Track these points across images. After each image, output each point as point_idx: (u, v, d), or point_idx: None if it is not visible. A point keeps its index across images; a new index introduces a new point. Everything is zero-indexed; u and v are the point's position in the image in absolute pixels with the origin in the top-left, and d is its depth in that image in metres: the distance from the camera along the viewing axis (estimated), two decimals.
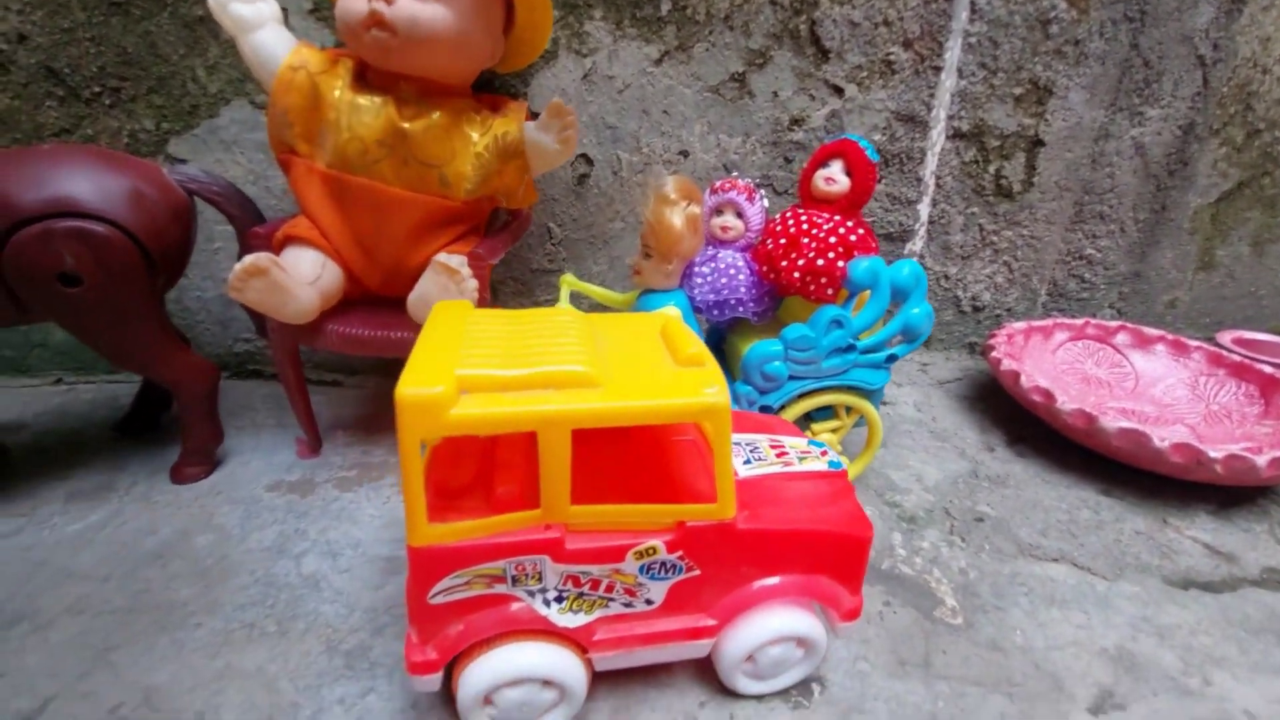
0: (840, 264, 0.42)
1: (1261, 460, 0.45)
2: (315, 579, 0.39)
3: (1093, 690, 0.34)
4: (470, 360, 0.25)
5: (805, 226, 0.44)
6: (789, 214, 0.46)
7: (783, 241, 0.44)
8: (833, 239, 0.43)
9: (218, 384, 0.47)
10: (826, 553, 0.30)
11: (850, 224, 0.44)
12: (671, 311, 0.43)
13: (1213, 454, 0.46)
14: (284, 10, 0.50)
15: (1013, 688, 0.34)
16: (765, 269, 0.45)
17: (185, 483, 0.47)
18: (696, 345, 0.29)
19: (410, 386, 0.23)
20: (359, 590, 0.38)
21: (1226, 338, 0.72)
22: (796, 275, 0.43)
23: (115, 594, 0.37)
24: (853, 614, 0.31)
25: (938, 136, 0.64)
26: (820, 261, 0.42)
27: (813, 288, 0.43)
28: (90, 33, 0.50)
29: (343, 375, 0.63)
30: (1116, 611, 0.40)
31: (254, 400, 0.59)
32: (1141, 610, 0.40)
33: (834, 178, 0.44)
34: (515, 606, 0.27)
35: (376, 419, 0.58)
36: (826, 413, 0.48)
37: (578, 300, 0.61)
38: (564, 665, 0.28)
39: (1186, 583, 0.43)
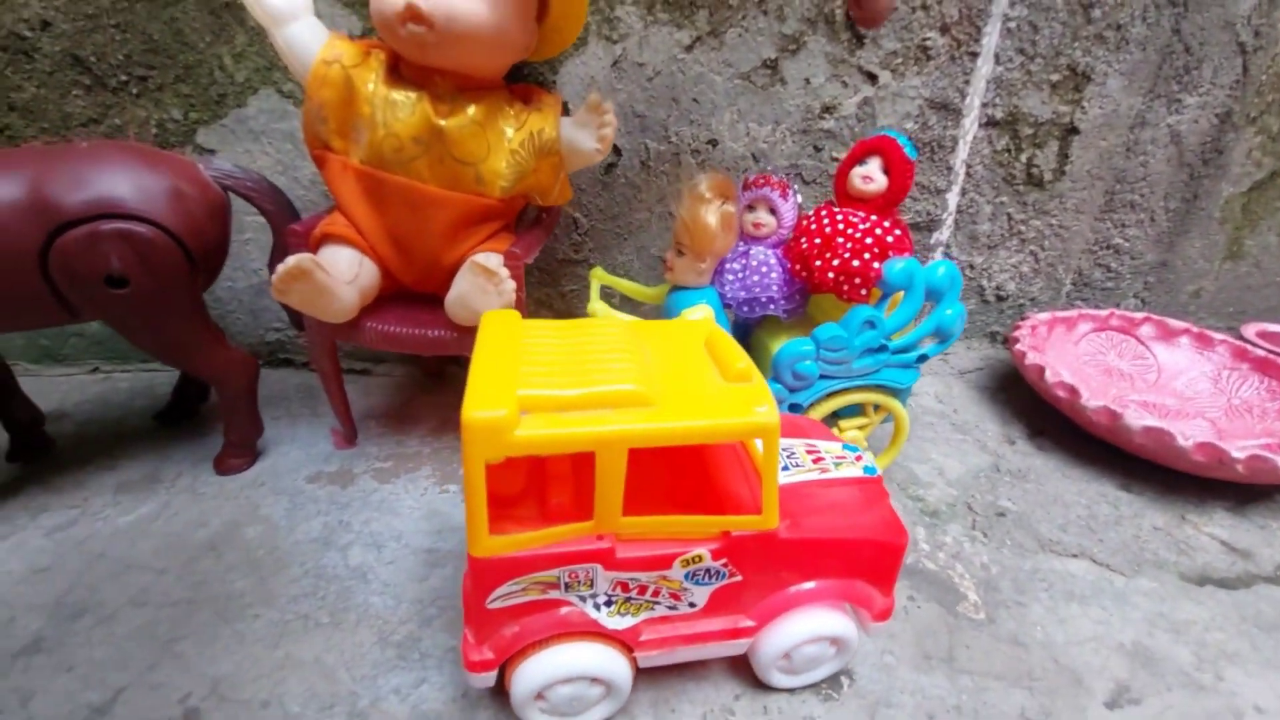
0: (875, 265, 0.42)
1: None
2: (362, 571, 0.41)
3: (1110, 685, 0.36)
4: (530, 380, 0.25)
5: (841, 226, 0.44)
6: (824, 212, 0.45)
7: (817, 241, 0.44)
8: (869, 239, 0.43)
9: (257, 377, 0.48)
10: (862, 558, 0.31)
11: (886, 224, 0.44)
12: (704, 311, 0.44)
13: (1235, 454, 0.47)
14: None
15: (1033, 682, 0.36)
16: (798, 268, 0.45)
17: (229, 474, 0.48)
18: (744, 359, 0.29)
19: (476, 409, 0.23)
20: (405, 582, 0.40)
21: (1251, 330, 0.72)
22: (831, 275, 0.43)
23: (175, 586, 0.39)
24: (885, 614, 0.33)
25: (970, 124, 0.63)
26: (855, 262, 0.42)
27: (846, 288, 0.43)
28: (115, 19, 0.50)
29: (371, 364, 0.64)
30: (1134, 607, 0.41)
31: (288, 389, 0.60)
32: (1158, 606, 0.41)
33: (871, 176, 0.44)
34: (566, 610, 0.29)
35: (407, 408, 0.59)
36: (854, 409, 0.49)
37: (608, 294, 0.61)
38: (611, 664, 0.30)
39: (1202, 579, 0.44)
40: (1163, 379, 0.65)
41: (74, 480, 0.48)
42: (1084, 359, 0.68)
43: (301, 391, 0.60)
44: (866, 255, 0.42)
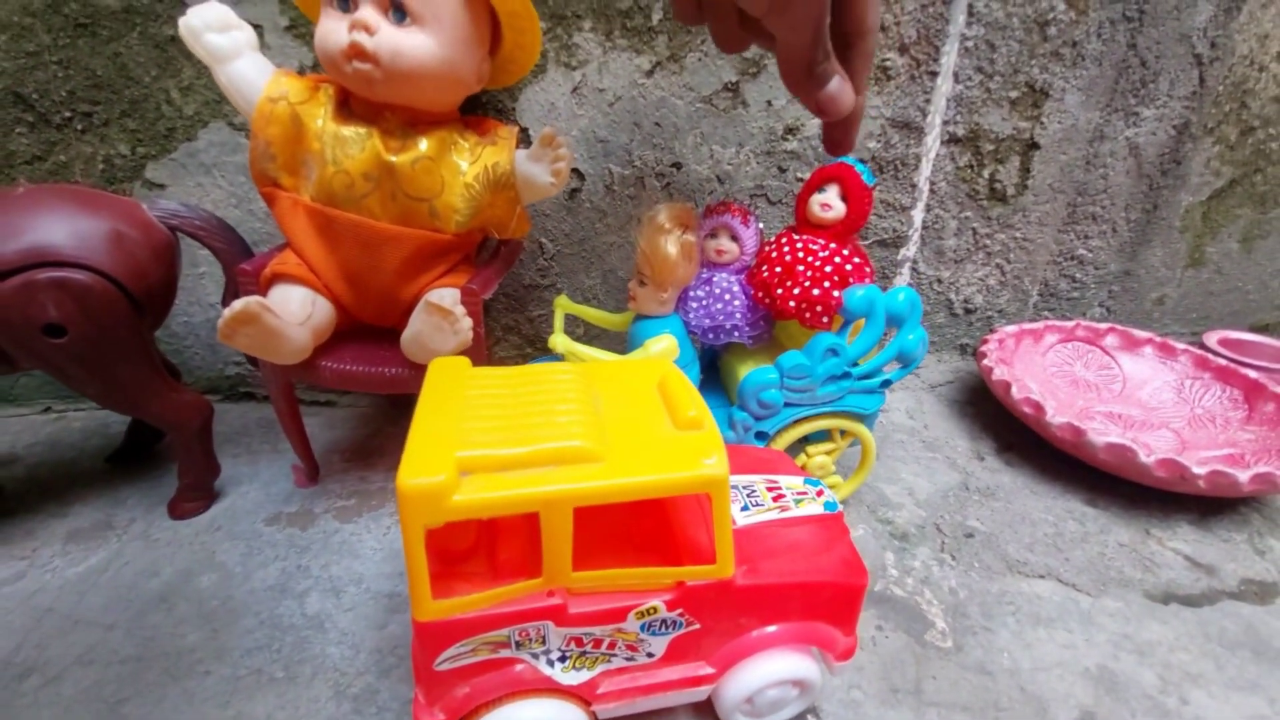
0: (835, 294, 0.42)
1: (1243, 476, 0.47)
2: (319, 619, 0.39)
3: (1074, 713, 0.36)
4: (470, 439, 0.25)
5: (801, 254, 0.44)
6: (784, 239, 0.45)
7: (778, 269, 0.44)
8: (828, 268, 0.43)
9: (211, 419, 0.47)
10: (822, 600, 0.31)
11: (845, 252, 0.44)
12: (666, 342, 0.43)
13: (1196, 470, 0.47)
14: (260, 28, 0.48)
15: (999, 712, 0.36)
16: (761, 294, 0.45)
17: (184, 518, 0.47)
18: (695, 405, 0.29)
19: (412, 476, 0.23)
20: (364, 630, 0.39)
21: (1213, 339, 0.73)
22: (792, 304, 0.43)
23: (123, 642, 0.38)
24: (848, 654, 0.32)
25: (932, 142, 0.64)
26: (816, 291, 0.42)
27: (808, 315, 0.43)
28: (57, 56, 0.48)
29: (335, 395, 0.63)
30: (1099, 629, 0.41)
31: (248, 425, 0.59)
32: (1123, 627, 0.42)
33: (830, 203, 0.44)
34: (519, 668, 0.28)
35: (372, 440, 0.58)
36: (822, 435, 0.49)
37: (571, 322, 0.60)
38: (568, 719, 0.29)
39: (1167, 597, 0.44)
40: (1128, 389, 0.66)
41: (23, 529, 0.47)
42: (1051, 370, 0.69)
43: (263, 426, 0.58)
44: (826, 284, 0.43)
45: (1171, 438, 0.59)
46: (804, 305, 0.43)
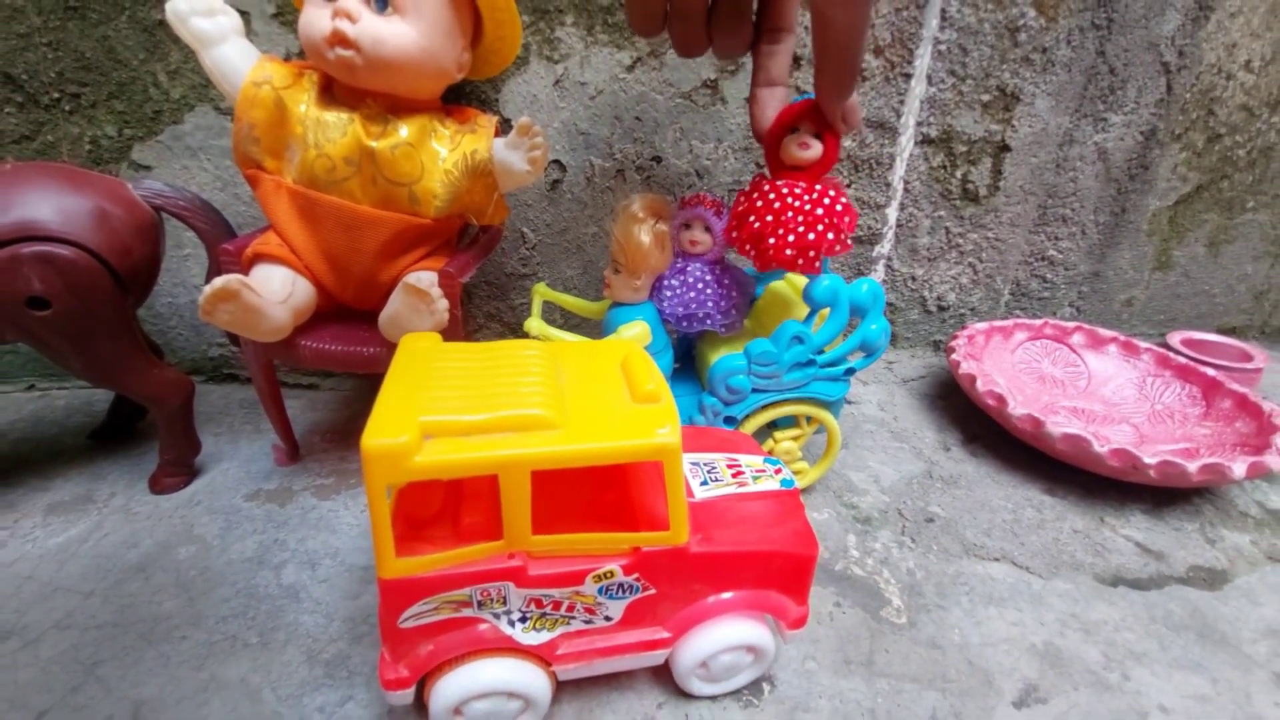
0: (829, 235, 0.41)
1: (1192, 466, 0.49)
2: (295, 589, 0.41)
3: (1019, 685, 0.38)
4: (434, 405, 0.26)
5: (789, 199, 0.42)
6: (766, 186, 0.43)
7: (768, 218, 0.42)
8: (819, 210, 0.41)
9: (192, 397, 0.48)
10: (775, 569, 0.32)
11: (832, 193, 0.42)
12: (638, 328, 0.45)
13: (1147, 459, 0.49)
14: (246, 15, 0.49)
15: (946, 684, 0.37)
16: (749, 248, 0.43)
17: (164, 493, 0.48)
18: (654, 380, 0.30)
19: (375, 437, 0.24)
20: (337, 600, 0.40)
21: (1176, 338, 0.75)
22: (789, 252, 0.41)
23: (101, 608, 0.39)
24: (799, 622, 0.34)
25: (907, 142, 0.65)
26: (811, 235, 0.41)
27: (800, 262, 0.42)
28: (47, 37, 0.49)
29: (319, 378, 0.64)
30: (1048, 609, 0.43)
31: (230, 405, 0.60)
32: (1072, 607, 0.43)
33: (808, 143, 0.41)
34: (481, 627, 0.29)
35: (354, 423, 0.59)
36: (789, 421, 0.50)
37: (550, 309, 0.62)
38: (528, 678, 0.30)
39: (1116, 580, 0.46)
40: (1092, 385, 0.68)
41: (5, 501, 0.47)
42: (1020, 366, 0.70)
43: (244, 407, 0.59)
44: (820, 227, 0.41)
45: (1131, 432, 0.61)
46: (799, 251, 0.41)
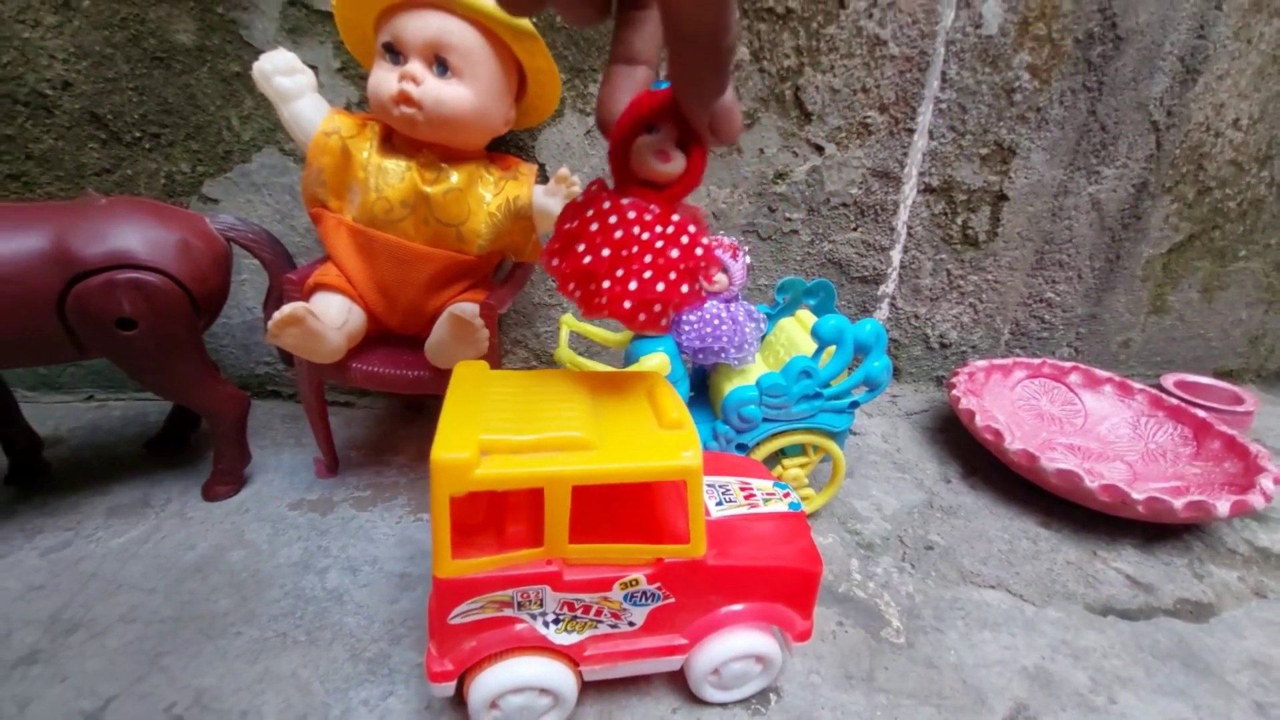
0: (683, 287, 0.30)
1: (1178, 503, 0.51)
2: (338, 593, 0.44)
3: (1009, 704, 0.40)
4: (491, 426, 0.30)
5: (637, 231, 0.30)
6: (607, 205, 0.30)
7: (604, 252, 0.30)
8: (674, 251, 0.30)
9: (247, 411, 0.52)
10: (782, 584, 0.36)
11: (693, 228, 0.31)
12: (659, 359, 0.49)
13: (1136, 495, 0.52)
14: (314, 68, 0.55)
15: (941, 700, 0.40)
16: (573, 287, 0.32)
17: (216, 500, 0.52)
18: (678, 409, 0.34)
19: (443, 451, 0.28)
20: (377, 604, 0.43)
21: (1169, 380, 0.78)
22: (628, 304, 0.30)
23: (163, 604, 0.42)
24: (804, 635, 0.37)
25: (910, 191, 0.70)
26: (660, 285, 0.30)
27: (642, 318, 0.31)
28: (134, 83, 0.55)
29: (354, 397, 0.68)
30: (1040, 634, 0.46)
31: (274, 420, 0.64)
32: (1062, 634, 0.46)
33: (668, 153, 0.29)
34: (519, 627, 0.32)
35: (387, 440, 0.63)
36: (797, 449, 0.54)
37: (576, 340, 0.66)
38: (559, 676, 0.33)
39: (1106, 610, 0.49)
40: (1089, 423, 0.71)
41: (68, 503, 0.51)
42: (1018, 403, 0.74)
43: (287, 421, 0.63)
44: (673, 274, 0.30)
45: (1124, 469, 0.64)
46: (642, 305, 0.30)
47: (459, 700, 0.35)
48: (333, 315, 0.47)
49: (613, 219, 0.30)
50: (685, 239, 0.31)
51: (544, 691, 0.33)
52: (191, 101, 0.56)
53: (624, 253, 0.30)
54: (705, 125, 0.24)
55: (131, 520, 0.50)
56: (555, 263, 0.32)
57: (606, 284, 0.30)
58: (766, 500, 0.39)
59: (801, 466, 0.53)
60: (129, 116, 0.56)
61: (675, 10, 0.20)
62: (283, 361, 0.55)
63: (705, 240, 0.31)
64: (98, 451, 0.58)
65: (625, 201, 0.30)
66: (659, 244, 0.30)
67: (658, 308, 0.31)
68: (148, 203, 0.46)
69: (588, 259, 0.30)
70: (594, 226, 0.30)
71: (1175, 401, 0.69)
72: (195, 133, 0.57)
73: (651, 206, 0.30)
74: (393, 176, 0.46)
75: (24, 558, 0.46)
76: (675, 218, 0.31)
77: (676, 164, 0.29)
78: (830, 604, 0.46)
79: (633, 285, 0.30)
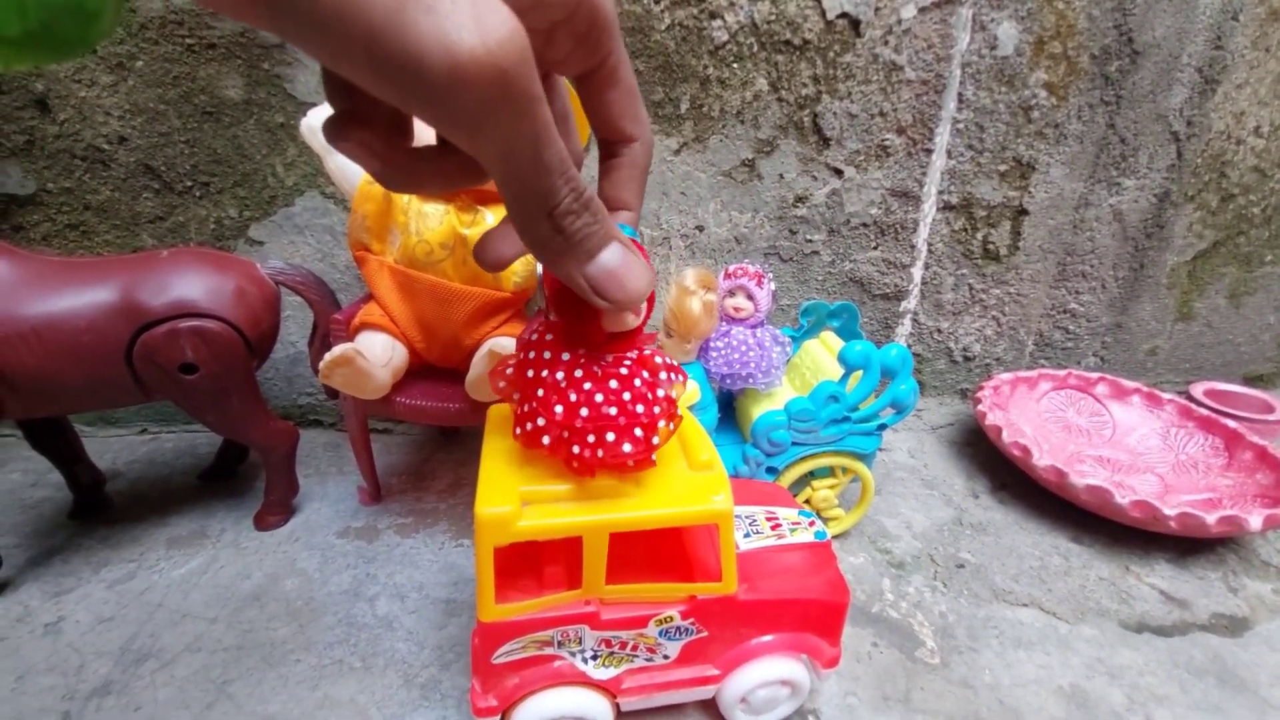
0: (655, 439, 0.30)
1: (1210, 517, 0.51)
2: (389, 620, 0.46)
3: None
4: (529, 476, 0.31)
5: (616, 389, 0.29)
6: (581, 363, 0.29)
7: (582, 415, 0.28)
8: (639, 407, 0.29)
9: (297, 444, 0.54)
10: (811, 615, 0.37)
11: (646, 374, 0.30)
12: (690, 385, 0.50)
13: (1167, 511, 0.52)
14: None
15: None
16: (561, 450, 0.30)
17: (268, 529, 0.54)
18: (707, 451, 0.35)
19: (486, 506, 0.29)
20: (426, 630, 0.45)
21: (1199, 389, 0.77)
22: (601, 453, 0.29)
23: (225, 633, 0.45)
24: (833, 662, 0.38)
25: (929, 209, 0.71)
26: (626, 445, 0.29)
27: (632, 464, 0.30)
28: (185, 136, 0.58)
29: (393, 424, 0.71)
30: (1075, 653, 0.46)
31: (315, 449, 0.66)
32: (1097, 652, 0.46)
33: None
34: (558, 664, 0.34)
35: (425, 466, 0.65)
36: (825, 471, 0.55)
37: None
38: (595, 707, 0.35)
39: (1140, 626, 0.49)
40: (1117, 435, 0.71)
41: (130, 536, 0.54)
42: (1045, 415, 0.74)
43: (329, 450, 0.66)
44: (638, 430, 0.29)
45: (1156, 481, 0.64)
46: (615, 462, 0.29)
47: None
48: (378, 353, 0.49)
49: (584, 380, 0.29)
50: (654, 393, 0.30)
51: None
52: (239, 151, 0.59)
53: (604, 414, 0.28)
54: (585, 290, 0.20)
55: (190, 551, 0.52)
56: (527, 414, 0.29)
57: (576, 450, 0.29)
58: (793, 530, 0.40)
59: (831, 488, 0.54)
60: (180, 167, 0.60)
61: (498, 184, 0.17)
62: (326, 393, 0.57)
63: (662, 389, 0.30)
64: (154, 484, 0.61)
65: (608, 360, 0.29)
66: (637, 406, 0.29)
67: (632, 463, 0.30)
68: (206, 252, 0.48)
69: (570, 426, 0.29)
70: (564, 384, 0.29)
71: (1205, 412, 0.68)
72: (242, 180, 0.60)
73: (628, 355, 0.30)
74: (432, 220, 0.49)
75: (92, 590, 0.48)
76: (644, 374, 0.30)
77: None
78: (864, 625, 0.47)
79: (603, 443, 0.29)
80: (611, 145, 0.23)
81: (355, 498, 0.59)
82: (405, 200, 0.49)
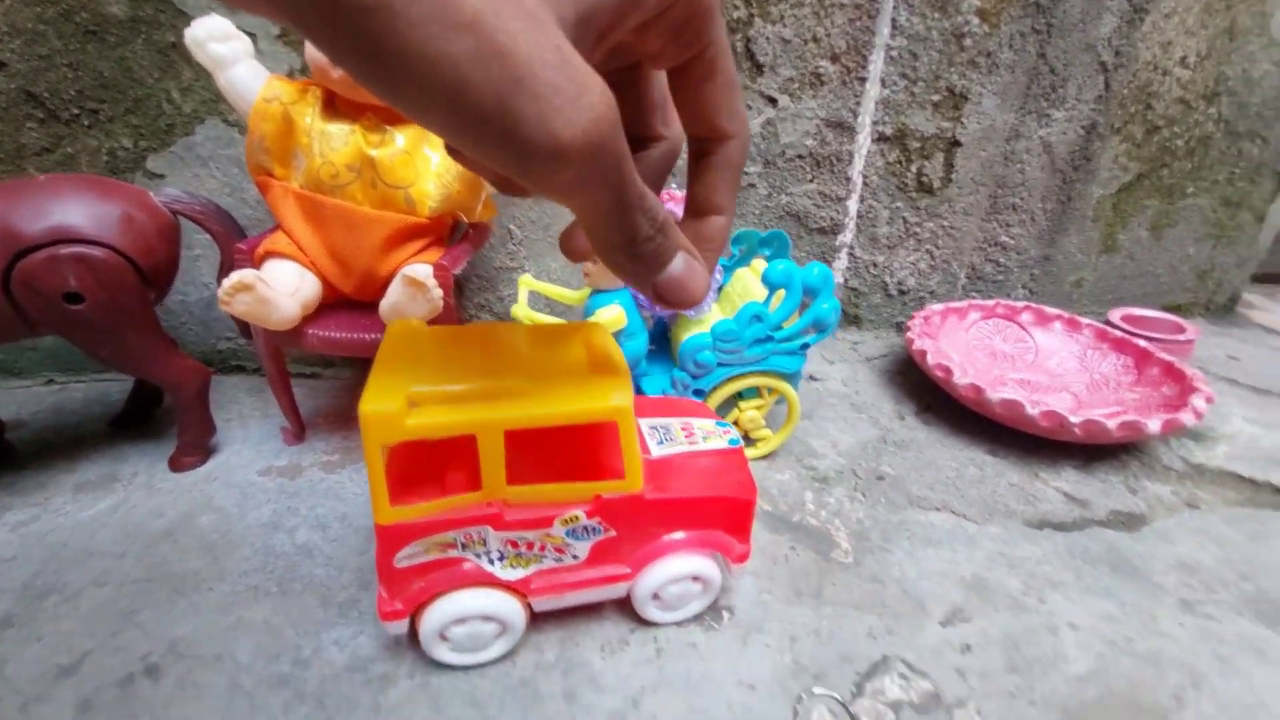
0: None
1: (1112, 423, 0.54)
2: (308, 548, 0.45)
3: (947, 608, 0.43)
4: (423, 379, 0.31)
5: None
6: None
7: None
8: None
9: (209, 382, 0.53)
10: (720, 512, 0.37)
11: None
12: (616, 310, 0.50)
13: (1073, 419, 0.55)
14: (253, 35, 0.54)
15: (884, 609, 0.43)
16: None
17: (183, 470, 0.53)
18: (611, 354, 0.35)
19: (371, 403, 0.29)
20: (347, 555, 0.45)
21: (1116, 315, 0.81)
22: None
23: (134, 567, 0.43)
24: (742, 558, 0.39)
25: (864, 140, 0.71)
26: None
27: None
28: (68, 59, 0.54)
29: (320, 368, 0.69)
30: (979, 548, 0.48)
31: (239, 394, 0.64)
32: (1000, 547, 0.49)
33: None
34: (466, 565, 0.34)
35: (353, 408, 0.62)
36: (753, 392, 0.55)
37: (535, 299, 0.67)
38: (506, 608, 0.35)
39: (1042, 524, 0.51)
40: (1039, 359, 0.74)
41: (35, 482, 0.52)
42: (973, 344, 0.76)
43: (252, 394, 0.64)
44: None
45: (1070, 399, 0.67)
46: None
47: (415, 635, 0.37)
48: (285, 282, 0.47)
49: None
50: None
51: (488, 619, 0.35)
52: (128, 75, 0.55)
53: None
54: (650, 294, 0.21)
55: (99, 494, 0.51)
56: None
57: None
58: (706, 438, 0.41)
59: (758, 409, 0.55)
60: (65, 93, 0.55)
61: (578, 215, 0.18)
62: (241, 334, 0.55)
63: None
64: (62, 432, 0.58)
65: None
66: None
67: None
68: (88, 178, 0.45)
69: None
70: None
71: (1119, 334, 0.71)
72: (134, 107, 0.56)
73: None
74: (337, 141, 0.47)
75: None
76: None
77: None
78: (783, 532, 0.49)
79: None
80: (704, 142, 0.22)
81: (279, 439, 0.57)
82: (307, 120, 0.47)
